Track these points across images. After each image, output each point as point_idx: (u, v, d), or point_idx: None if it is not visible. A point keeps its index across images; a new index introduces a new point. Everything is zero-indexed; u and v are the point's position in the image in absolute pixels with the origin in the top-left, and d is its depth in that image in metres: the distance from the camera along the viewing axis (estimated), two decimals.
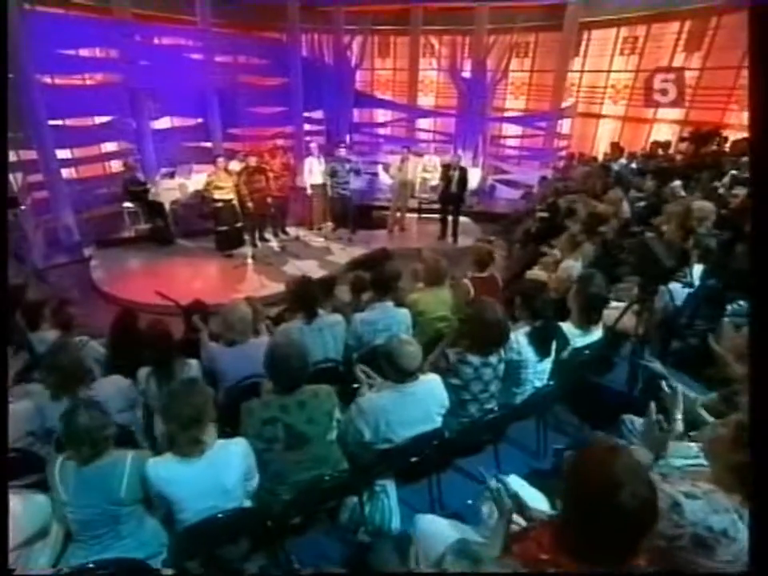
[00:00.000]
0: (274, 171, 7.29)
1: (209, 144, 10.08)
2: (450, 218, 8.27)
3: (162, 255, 7.42)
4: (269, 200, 7.33)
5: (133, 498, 1.86)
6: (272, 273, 6.71)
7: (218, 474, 1.88)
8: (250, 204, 6.96)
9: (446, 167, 8.09)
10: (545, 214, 7.43)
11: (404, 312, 3.39)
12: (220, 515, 1.85)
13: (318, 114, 11.29)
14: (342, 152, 7.92)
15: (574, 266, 4.19)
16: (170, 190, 7.91)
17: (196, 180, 8.12)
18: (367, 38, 11.29)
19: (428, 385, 2.42)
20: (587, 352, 2.84)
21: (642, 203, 6.47)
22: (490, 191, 10.74)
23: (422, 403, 2.39)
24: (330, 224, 8.42)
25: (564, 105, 10.48)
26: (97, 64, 8.82)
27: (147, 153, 9.15)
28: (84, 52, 8.30)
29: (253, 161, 7.00)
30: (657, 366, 2.46)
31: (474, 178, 10.18)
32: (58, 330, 3.32)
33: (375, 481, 2.32)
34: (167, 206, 7.86)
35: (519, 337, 2.64)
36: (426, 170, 9.58)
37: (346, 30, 10.74)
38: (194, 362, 2.85)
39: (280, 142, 7.69)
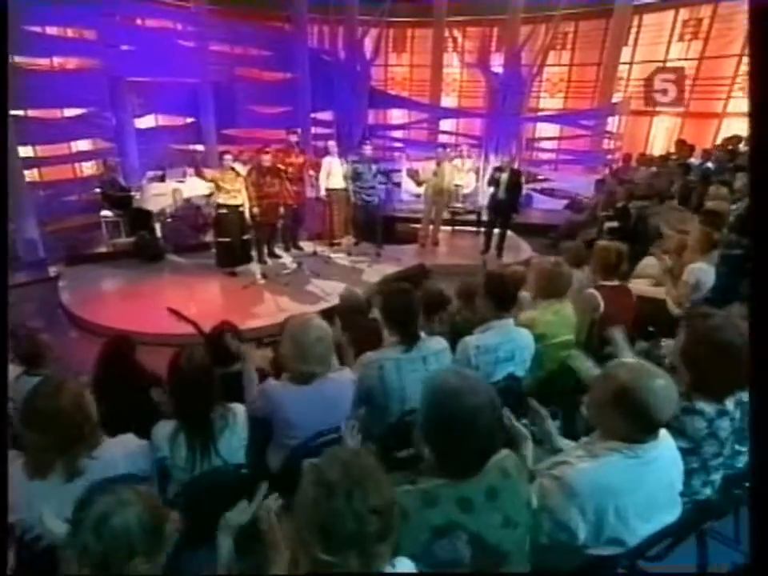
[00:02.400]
0: (289, 173, 6.83)
1: (200, 147, 9.74)
2: (496, 230, 7.74)
3: (148, 273, 6.84)
4: (281, 207, 6.89)
5: None
6: (291, 294, 6.12)
7: None
8: (259, 211, 6.49)
9: (496, 170, 7.60)
10: (614, 223, 6.87)
11: (527, 335, 2.75)
12: None
13: (327, 116, 11.02)
14: (368, 150, 7.41)
15: (706, 270, 3.71)
16: (159, 195, 7.36)
17: (192, 184, 7.64)
18: (383, 30, 10.99)
19: (666, 446, 1.64)
20: None
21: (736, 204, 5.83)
22: (527, 201, 10.25)
23: (665, 476, 1.60)
24: (350, 237, 7.93)
25: (614, 100, 10.01)
26: (69, 46, 8.36)
27: (129, 154, 8.66)
28: (52, 30, 7.69)
29: (266, 159, 6.50)
30: None
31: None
32: (22, 365, 2.74)
33: None
34: (155, 215, 7.32)
35: None
36: (458, 175, 8.94)
37: (360, 21, 10.40)
38: (239, 408, 2.14)
39: (293, 138, 7.08)
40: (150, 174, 7.91)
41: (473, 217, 9.05)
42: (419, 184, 8.61)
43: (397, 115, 12.54)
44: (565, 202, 10.30)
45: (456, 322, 3.31)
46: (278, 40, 10.14)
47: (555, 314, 2.99)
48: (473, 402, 1.28)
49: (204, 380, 1.98)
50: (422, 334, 2.53)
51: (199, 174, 6.25)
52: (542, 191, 10.66)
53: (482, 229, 8.48)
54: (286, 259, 7.20)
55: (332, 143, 7.61)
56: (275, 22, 10.54)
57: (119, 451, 1.77)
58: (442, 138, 11.52)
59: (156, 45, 8.71)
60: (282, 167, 6.75)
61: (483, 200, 9.92)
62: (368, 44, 11.00)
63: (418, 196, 9.64)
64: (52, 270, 6.97)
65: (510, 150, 10.56)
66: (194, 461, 1.95)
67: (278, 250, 7.33)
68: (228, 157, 6.23)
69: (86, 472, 1.64)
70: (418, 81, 12.17)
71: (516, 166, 7.73)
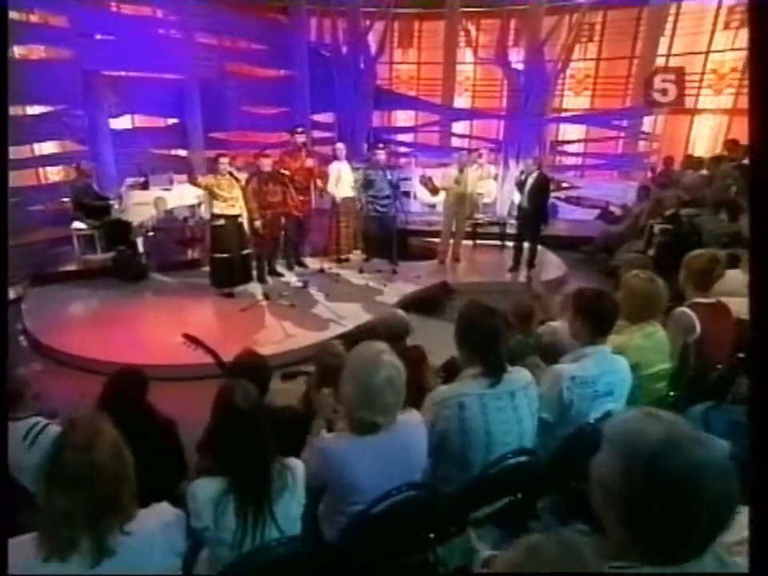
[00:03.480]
0: (294, 180, 6.77)
1: (184, 152, 9.65)
2: (525, 243, 7.68)
3: (129, 295, 6.67)
4: (284, 219, 6.84)
5: None
6: (298, 317, 5.97)
7: None
8: (261, 223, 6.39)
9: (521, 174, 7.59)
10: (661, 239, 6.75)
11: (626, 365, 2.56)
12: None
13: (327, 117, 10.94)
14: (381, 156, 7.35)
15: None
16: (141, 205, 7.20)
17: (179, 192, 7.60)
18: (388, 23, 10.93)
19: None
20: None
21: None
22: (552, 211, 9.98)
23: None
24: (358, 252, 7.88)
25: None
26: (33, 33, 8.08)
27: (104, 158, 8.45)
28: (13, 15, 7.52)
29: (266, 164, 6.43)
30: None
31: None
32: None
33: None
34: (136, 228, 7.20)
35: None
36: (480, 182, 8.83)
37: (364, 14, 10.35)
38: (298, 464, 1.89)
39: (300, 139, 6.96)
40: (130, 180, 7.76)
41: (495, 229, 8.99)
42: (434, 192, 8.50)
43: (402, 117, 12.53)
44: (594, 211, 10.21)
45: (510, 346, 3.15)
46: (273, 33, 10.06)
47: (647, 339, 2.82)
48: (702, 458, 1.01)
49: (263, 424, 1.72)
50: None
51: (193, 181, 6.08)
52: (568, 200, 10.57)
53: (507, 242, 8.52)
54: (290, 277, 7.11)
55: (340, 146, 7.54)
56: (270, 12, 10.47)
57: (156, 525, 1.49)
58: (455, 142, 11.46)
59: (135, 35, 8.57)
60: (287, 172, 6.66)
61: (502, 210, 9.98)
62: (371, 39, 10.88)
63: (433, 206, 9.57)
64: (13, 291, 6.69)
65: (532, 154, 10.54)
66: (244, 532, 1.67)
67: (279, 267, 7.21)
68: (224, 160, 6.12)
69: (118, 552, 1.35)
70: (427, 79, 12.10)
71: (542, 169, 7.64)
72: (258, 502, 1.69)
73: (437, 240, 8.60)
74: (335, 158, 7.42)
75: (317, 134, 10.61)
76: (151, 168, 7.94)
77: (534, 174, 7.27)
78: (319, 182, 7.18)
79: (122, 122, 9.25)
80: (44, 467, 1.35)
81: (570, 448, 2.36)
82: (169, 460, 2.68)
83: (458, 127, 11.72)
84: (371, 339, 4.84)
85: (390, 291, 6.81)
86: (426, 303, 6.51)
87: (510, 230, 8.62)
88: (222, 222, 6.11)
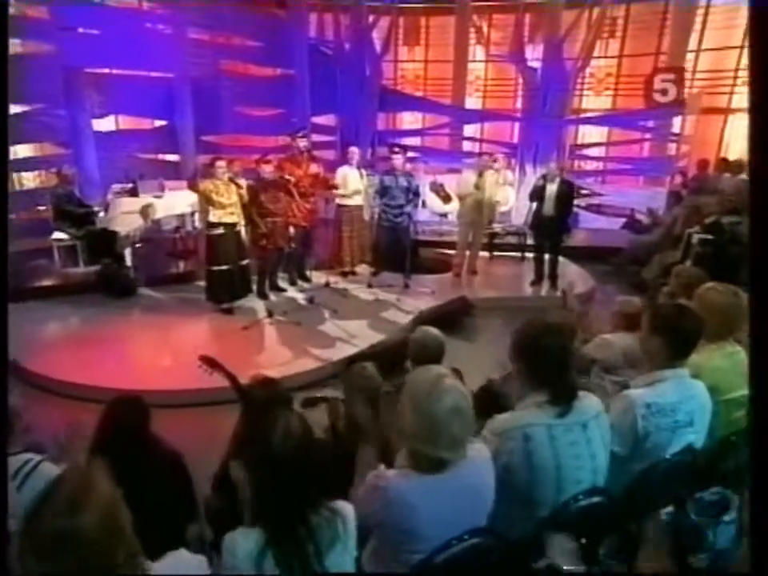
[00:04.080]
0: (299, 187, 6.78)
1: (175, 157, 9.67)
2: (546, 255, 7.66)
3: (115, 312, 6.58)
4: (290, 229, 6.86)
5: None
6: (305, 336, 5.93)
7: None
8: (263, 233, 6.44)
9: (542, 178, 7.53)
10: (701, 249, 6.71)
11: (704, 388, 2.47)
12: None
13: (328, 120, 11.00)
14: (398, 161, 7.32)
15: None
16: (130, 214, 7.09)
17: (172, 200, 7.61)
18: (394, 18, 10.95)
19: None
20: None
21: None
22: (572, 220, 10.05)
23: None
24: (364, 265, 7.90)
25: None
26: (10, 25, 7.85)
27: (87, 163, 8.41)
28: None
29: (267, 171, 6.45)
30: None
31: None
32: None
33: None
34: (123, 238, 7.09)
35: None
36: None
37: (368, 8, 10.38)
38: (348, 509, 1.74)
39: (302, 144, 6.91)
40: (117, 187, 7.71)
41: (513, 239, 8.99)
42: (446, 200, 8.47)
43: (408, 119, 12.59)
44: (618, 220, 10.24)
45: None
46: (270, 28, 10.06)
47: (727, 360, 2.73)
48: None
49: (310, 465, 1.57)
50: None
51: (193, 186, 6.02)
52: (588, 208, 10.57)
53: (526, 254, 8.55)
54: (293, 293, 7.12)
55: (354, 149, 7.62)
56: (268, 6, 10.50)
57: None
58: (466, 146, 11.51)
59: (121, 29, 8.56)
60: (291, 179, 6.67)
61: (517, 218, 9.94)
62: (375, 35, 10.93)
63: (444, 216, 9.50)
64: None
65: (550, 158, 10.54)
66: None
67: (280, 282, 7.19)
68: (221, 164, 6.08)
69: None
70: (435, 79, 12.17)
71: (564, 175, 7.69)
72: (304, 558, 1.54)
73: (449, 251, 8.64)
74: (346, 162, 7.44)
75: (316, 137, 10.54)
76: (139, 173, 7.91)
77: (557, 181, 7.25)
78: (327, 189, 7.19)
79: (106, 124, 9.26)
80: (20, 527, 1.23)
81: (642, 485, 2.27)
82: (177, 498, 2.53)
83: (468, 130, 11.78)
84: (393, 360, 4.80)
85: (402, 307, 6.79)
86: (443, 320, 6.31)
87: (530, 241, 8.53)
88: (220, 230, 6.05)
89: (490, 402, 2.65)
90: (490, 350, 5.32)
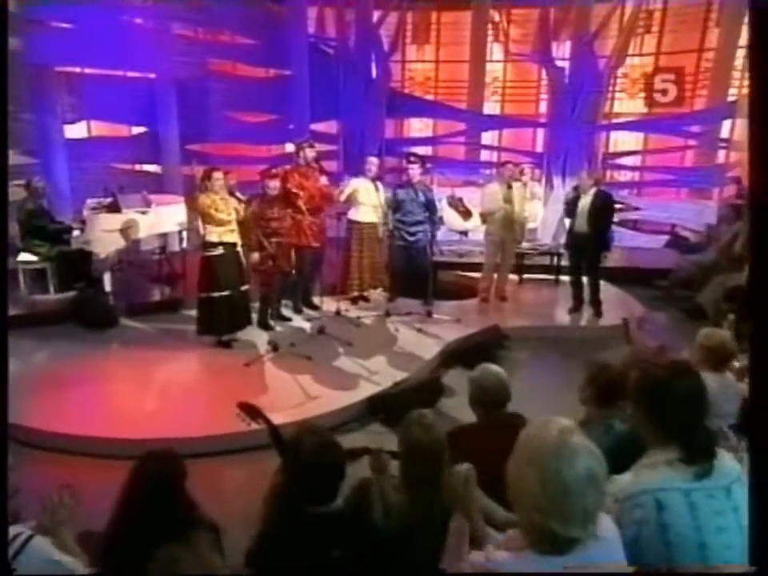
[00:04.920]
0: (307, 202, 6.81)
1: (156, 168, 9.83)
2: (585, 278, 7.63)
3: (93, 346, 6.50)
4: (296, 251, 6.89)
5: None
6: (318, 373, 5.84)
7: None
8: (266, 255, 6.37)
9: (574, 190, 7.56)
10: None
11: None
12: None
13: (328, 127, 11.17)
14: (414, 172, 7.35)
15: None
16: (111, 232, 7.04)
17: (157, 217, 7.52)
18: (403, 14, 11.17)
19: None
20: None
21: None
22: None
23: None
24: (379, 290, 7.88)
25: (730, 98, 10.11)
26: None
27: (57, 174, 8.50)
28: None
29: (272, 187, 6.45)
30: None
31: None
32: None
33: None
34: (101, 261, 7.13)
35: None
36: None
37: (375, 1, 10.62)
38: None
39: (310, 154, 6.90)
40: (93, 201, 7.59)
41: (544, 260, 9.02)
42: (467, 216, 8.38)
43: (417, 127, 12.61)
44: (659, 237, 10.34)
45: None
46: (266, 24, 10.18)
47: None
48: None
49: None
50: None
51: (192, 203, 5.94)
52: (622, 223, 10.58)
53: (560, 276, 8.56)
54: (299, 322, 7.13)
55: (373, 159, 7.62)
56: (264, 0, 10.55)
57: None
58: (484, 155, 11.63)
59: (97, 23, 8.62)
60: (300, 193, 6.70)
61: (544, 236, 10.10)
62: (382, 32, 11.11)
63: (465, 233, 9.41)
64: None
65: (581, 168, 10.52)
66: None
67: (284, 310, 7.17)
68: (218, 176, 6.05)
69: None
70: (447, 81, 12.12)
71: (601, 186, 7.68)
72: None
73: (471, 274, 8.70)
74: (362, 173, 7.51)
75: (316, 146, 10.49)
76: (119, 186, 7.86)
77: (592, 192, 7.21)
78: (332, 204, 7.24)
79: (79, 130, 9.36)
80: None
81: None
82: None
83: (485, 138, 11.84)
84: (424, 400, 4.65)
85: (426, 339, 6.75)
86: (473, 354, 6.30)
87: (565, 262, 8.59)
88: (219, 251, 6.00)
89: None
90: (532, 388, 5.19)
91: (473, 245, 9.51)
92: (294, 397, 5.32)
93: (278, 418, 4.65)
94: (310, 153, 6.93)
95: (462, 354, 6.24)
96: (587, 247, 7.31)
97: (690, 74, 10.69)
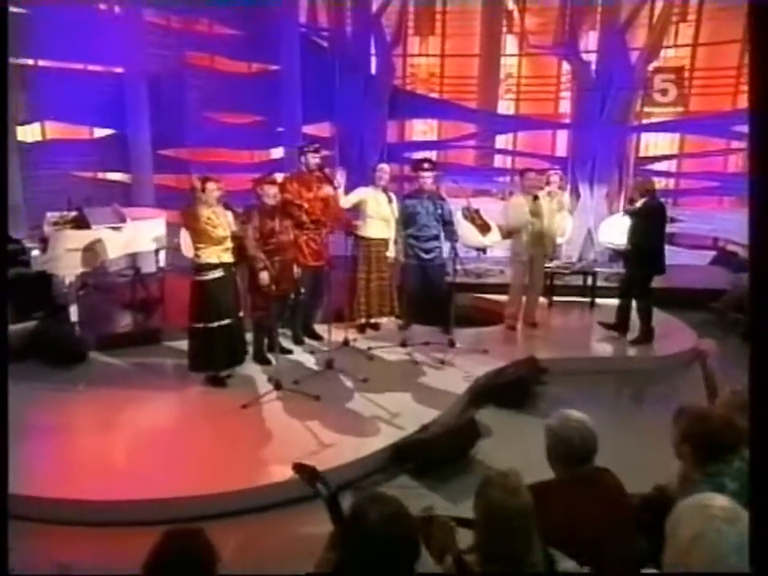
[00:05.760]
0: (310, 214, 6.89)
1: (124, 176, 9.75)
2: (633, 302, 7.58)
3: (58, 387, 6.30)
4: (296, 270, 6.82)
5: None
6: (329, 416, 5.68)
7: None
8: (267, 275, 6.27)
9: (630, 202, 7.55)
10: None
11: None
12: None
13: (320, 130, 11.18)
14: (428, 180, 7.34)
15: None
16: (77, 251, 6.93)
17: (134, 234, 7.50)
18: (405, 2, 11.30)
19: None
20: None
21: None
22: None
23: None
24: (391, 317, 7.83)
25: None
26: None
27: (9, 182, 8.12)
28: None
29: (271, 195, 6.36)
30: None
31: (613, 233, 9.66)
32: None
33: None
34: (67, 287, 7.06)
35: None
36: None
37: None
38: None
39: (314, 160, 6.86)
40: (54, 215, 7.44)
41: (574, 278, 9.08)
42: (484, 230, 8.25)
43: (421, 128, 12.69)
44: (704, 253, 10.35)
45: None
46: (251, 13, 10.25)
47: None
48: None
49: None
50: None
51: (188, 218, 6.00)
52: None
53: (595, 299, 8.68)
54: (301, 354, 7.08)
55: (384, 167, 7.61)
56: None
57: None
58: (497, 161, 11.75)
59: (55, 8, 8.66)
60: (304, 204, 6.76)
61: (572, 252, 10.20)
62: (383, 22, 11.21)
63: (483, 250, 9.34)
64: None
65: (610, 175, 10.74)
66: None
67: (283, 341, 7.07)
68: (213, 186, 5.98)
69: None
70: (454, 77, 12.18)
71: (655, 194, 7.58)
72: None
73: (494, 297, 8.71)
74: (371, 182, 7.48)
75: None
76: (85, 198, 7.74)
77: (639, 204, 7.22)
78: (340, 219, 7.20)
79: (33, 132, 9.35)
80: None
81: None
82: None
83: (499, 141, 11.95)
84: (459, 447, 4.41)
85: (451, 373, 6.64)
86: (508, 390, 6.25)
87: (600, 281, 8.83)
88: (217, 273, 5.96)
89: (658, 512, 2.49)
90: None
91: (491, 263, 9.53)
92: (305, 445, 5.11)
93: (286, 472, 4.41)
94: (312, 159, 6.86)
95: (494, 391, 6.14)
96: (634, 265, 7.36)
97: (731, 68, 10.78)
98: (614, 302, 7.92)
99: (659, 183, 11.63)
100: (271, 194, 6.36)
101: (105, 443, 5.47)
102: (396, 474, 4.91)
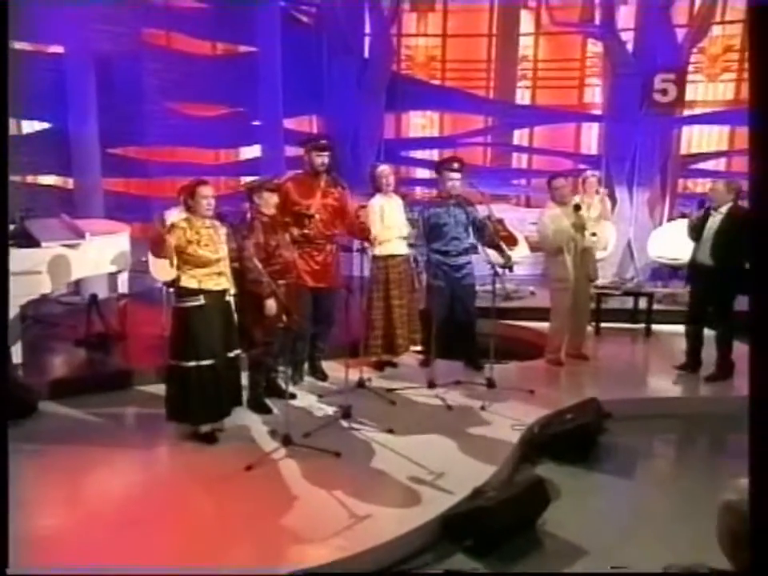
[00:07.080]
0: (322, 229, 6.95)
1: (61, 180, 9.79)
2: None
3: None
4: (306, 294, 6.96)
5: None
6: (355, 478, 5.46)
7: None
8: (273, 303, 6.21)
9: (701, 206, 7.46)
10: None
11: None
12: None
13: (305, 124, 11.50)
14: (455, 182, 7.34)
15: None
16: (23, 275, 6.83)
17: (93, 253, 7.51)
18: None
19: None
20: None
21: None
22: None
23: None
24: (414, 348, 7.93)
25: None
26: None
27: None
28: None
29: (270, 203, 6.31)
30: None
31: (667, 245, 9.99)
32: None
33: None
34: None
35: None
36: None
37: None
38: None
39: (319, 161, 6.82)
40: None
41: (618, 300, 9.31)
42: (510, 244, 8.16)
43: (419, 122, 12.88)
44: None
45: None
46: None
47: None
48: None
49: None
50: None
51: (166, 230, 5.78)
52: None
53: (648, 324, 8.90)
54: (309, 399, 6.97)
55: (385, 167, 7.66)
56: None
57: None
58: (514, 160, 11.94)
59: None
60: (318, 216, 6.81)
61: (610, 268, 10.32)
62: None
63: (508, 268, 9.25)
64: None
65: (654, 174, 10.90)
66: None
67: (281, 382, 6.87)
68: (206, 191, 5.85)
69: None
70: (457, 61, 12.34)
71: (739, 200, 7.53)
72: None
73: (528, 324, 8.79)
74: (377, 188, 7.48)
75: (290, 150, 10.79)
76: (25, 209, 7.53)
77: (725, 209, 7.10)
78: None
79: None
80: None
81: None
82: None
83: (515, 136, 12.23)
84: (521, 515, 4.75)
85: (496, 420, 6.45)
86: (569, 441, 6.09)
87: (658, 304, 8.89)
88: (200, 300, 5.75)
89: None
90: (670, 496, 5.28)
91: (518, 281, 9.54)
92: (334, 518, 4.79)
93: (320, 552, 4.33)
94: (317, 158, 6.79)
95: (553, 442, 5.96)
96: (712, 286, 7.19)
97: None
98: (673, 328, 7.97)
99: (703, 185, 11.89)
100: (272, 203, 6.30)
101: (64, 523, 5.06)
102: (450, 551, 4.61)
